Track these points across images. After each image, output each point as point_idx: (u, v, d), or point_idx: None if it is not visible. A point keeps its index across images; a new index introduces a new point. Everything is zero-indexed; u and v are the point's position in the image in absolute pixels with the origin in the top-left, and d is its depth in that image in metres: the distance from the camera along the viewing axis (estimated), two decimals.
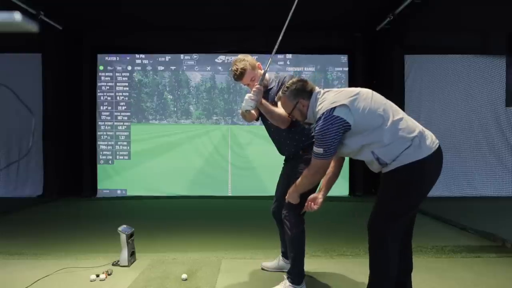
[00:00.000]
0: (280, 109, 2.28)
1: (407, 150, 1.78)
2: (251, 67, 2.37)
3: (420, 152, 1.78)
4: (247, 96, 2.19)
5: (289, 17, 2.08)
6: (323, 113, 1.84)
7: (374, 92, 1.93)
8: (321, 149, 1.85)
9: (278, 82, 2.40)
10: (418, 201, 1.89)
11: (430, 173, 1.84)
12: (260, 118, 2.56)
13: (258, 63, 2.44)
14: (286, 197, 2.24)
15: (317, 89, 2.06)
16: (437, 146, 1.84)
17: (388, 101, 1.92)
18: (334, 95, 1.91)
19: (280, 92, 2.11)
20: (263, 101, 2.26)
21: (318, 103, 1.95)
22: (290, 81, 2.10)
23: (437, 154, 1.83)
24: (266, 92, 2.46)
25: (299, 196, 2.19)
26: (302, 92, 2.04)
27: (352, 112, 1.80)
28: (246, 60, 2.39)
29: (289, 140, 2.41)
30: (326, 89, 2.02)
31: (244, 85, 2.48)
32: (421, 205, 1.96)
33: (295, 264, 2.35)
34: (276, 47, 2.17)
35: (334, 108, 1.82)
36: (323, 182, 2.20)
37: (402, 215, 1.85)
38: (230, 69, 2.61)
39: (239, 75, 2.38)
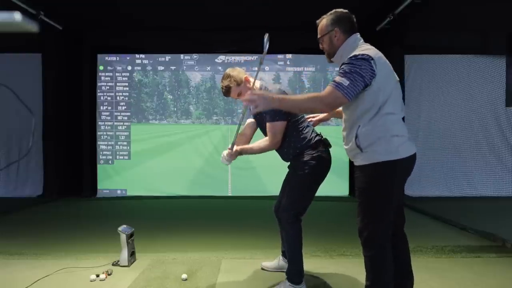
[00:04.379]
0: (262, 142, 2.39)
1: (382, 142, 1.76)
2: (236, 83, 2.39)
3: (396, 153, 1.77)
4: (223, 153, 2.36)
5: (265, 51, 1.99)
6: (361, 53, 1.75)
7: (398, 81, 1.89)
8: (348, 81, 1.70)
9: None
10: (391, 200, 1.84)
11: (400, 174, 1.84)
12: (258, 127, 2.58)
13: (246, 75, 2.43)
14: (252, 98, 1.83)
15: (359, 35, 1.94)
16: (412, 153, 1.83)
17: (400, 98, 1.88)
18: (375, 51, 1.83)
19: (325, 15, 1.98)
20: (241, 149, 2.37)
21: (357, 48, 1.84)
22: (339, 9, 1.96)
23: (410, 161, 1.83)
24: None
25: (267, 103, 1.82)
26: (344, 23, 1.91)
27: (376, 77, 1.75)
28: (231, 76, 2.40)
29: (286, 149, 2.44)
30: (367, 43, 1.92)
31: (235, 99, 2.52)
32: (401, 206, 1.97)
33: (293, 264, 2.36)
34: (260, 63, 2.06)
35: (373, 58, 1.74)
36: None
37: (383, 211, 1.82)
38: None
39: (225, 93, 2.45)
